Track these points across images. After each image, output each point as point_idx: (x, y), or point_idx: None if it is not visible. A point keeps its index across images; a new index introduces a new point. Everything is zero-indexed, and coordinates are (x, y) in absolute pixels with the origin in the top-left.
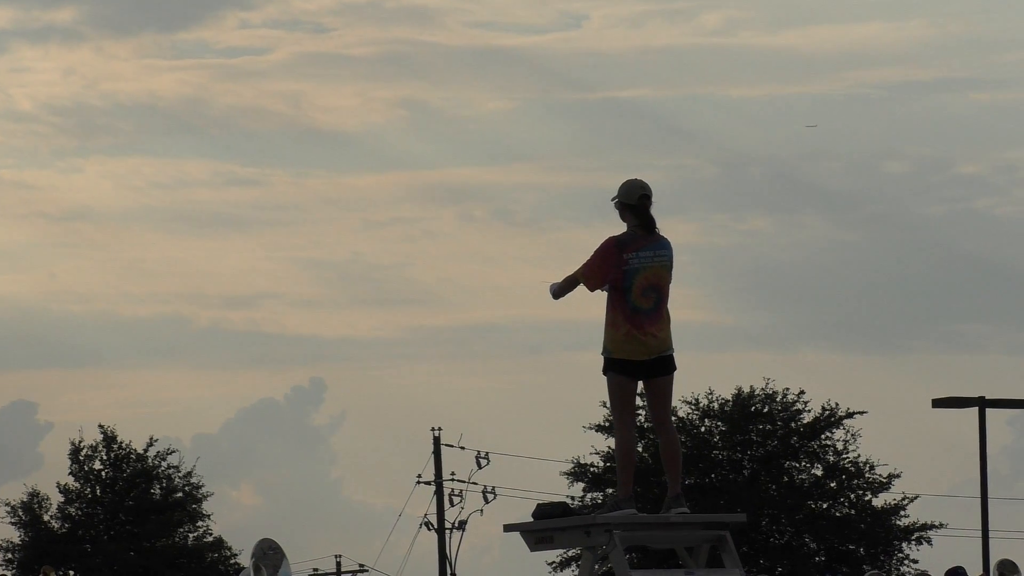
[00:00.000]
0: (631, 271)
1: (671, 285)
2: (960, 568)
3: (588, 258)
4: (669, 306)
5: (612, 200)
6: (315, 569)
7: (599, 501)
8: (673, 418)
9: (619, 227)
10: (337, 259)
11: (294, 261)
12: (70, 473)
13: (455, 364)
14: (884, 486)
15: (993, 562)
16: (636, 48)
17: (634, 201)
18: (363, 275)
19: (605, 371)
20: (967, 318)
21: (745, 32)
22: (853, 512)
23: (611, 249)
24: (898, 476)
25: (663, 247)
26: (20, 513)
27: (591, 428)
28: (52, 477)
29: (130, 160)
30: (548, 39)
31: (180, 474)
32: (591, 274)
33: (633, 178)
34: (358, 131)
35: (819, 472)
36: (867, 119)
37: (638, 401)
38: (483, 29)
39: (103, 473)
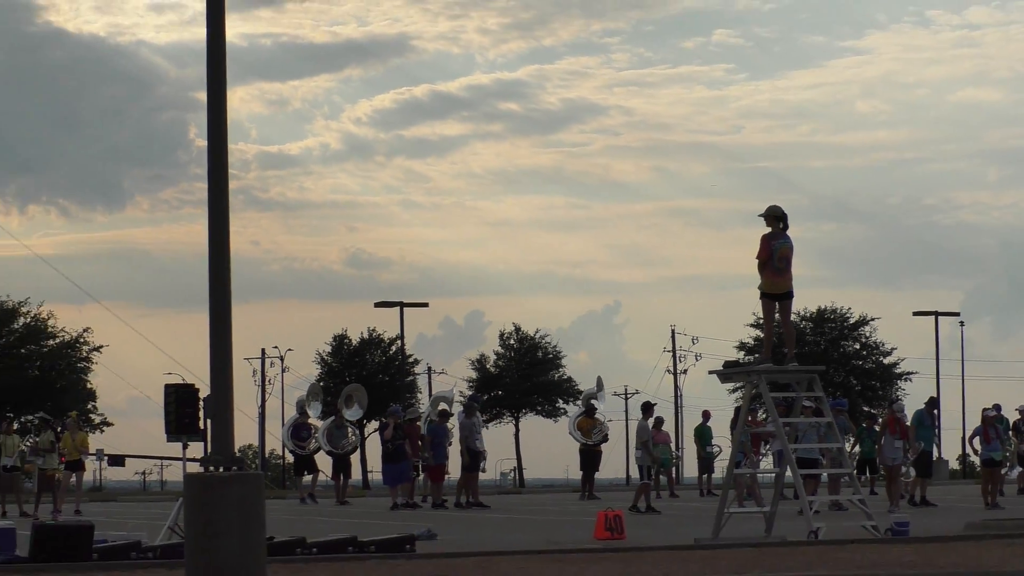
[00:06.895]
0: (775, 248)
1: (793, 256)
2: (934, 399)
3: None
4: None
5: (760, 216)
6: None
7: (754, 358)
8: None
9: (766, 228)
10: None
11: None
12: None
13: None
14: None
15: None
16: None
17: (779, 215)
18: None
19: (761, 298)
20: None
21: None
22: (873, 366)
23: (766, 240)
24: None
25: (787, 238)
26: None
27: (750, 325)
28: None
29: None
30: None
31: None
32: (762, 257)
33: (773, 204)
34: None
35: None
36: None
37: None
38: None
39: None
